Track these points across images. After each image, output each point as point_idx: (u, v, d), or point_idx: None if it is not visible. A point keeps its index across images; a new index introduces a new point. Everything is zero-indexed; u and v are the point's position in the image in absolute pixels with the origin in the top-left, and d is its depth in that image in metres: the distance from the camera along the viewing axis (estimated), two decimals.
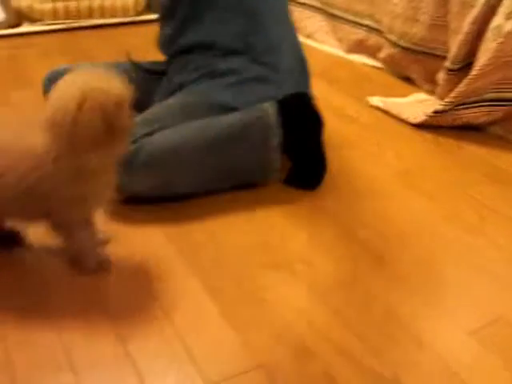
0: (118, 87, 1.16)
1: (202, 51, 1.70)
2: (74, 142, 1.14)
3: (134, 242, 1.47)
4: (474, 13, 1.98)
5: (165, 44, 1.83)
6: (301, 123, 1.63)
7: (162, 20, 1.83)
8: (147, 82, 1.87)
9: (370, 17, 2.58)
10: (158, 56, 1.89)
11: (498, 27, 1.90)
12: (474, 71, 1.94)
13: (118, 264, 1.40)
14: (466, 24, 2.01)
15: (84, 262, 1.34)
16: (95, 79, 1.15)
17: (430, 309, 1.29)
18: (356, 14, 2.67)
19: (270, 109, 1.61)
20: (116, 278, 1.35)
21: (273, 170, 1.63)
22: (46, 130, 1.16)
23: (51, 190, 1.20)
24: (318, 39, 2.97)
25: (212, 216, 1.58)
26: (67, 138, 1.14)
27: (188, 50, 1.73)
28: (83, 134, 1.13)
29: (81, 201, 1.24)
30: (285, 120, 1.60)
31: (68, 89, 1.14)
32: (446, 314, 1.28)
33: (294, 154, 1.66)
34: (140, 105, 1.66)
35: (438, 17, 2.21)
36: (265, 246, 1.46)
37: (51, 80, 1.85)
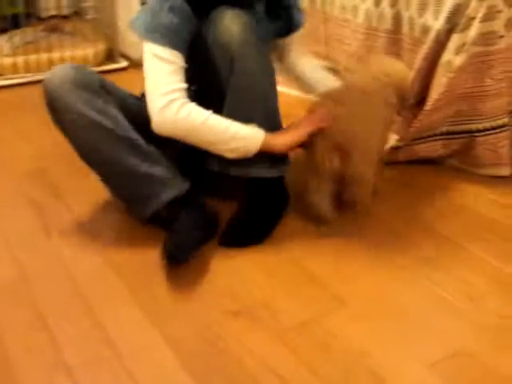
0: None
1: None
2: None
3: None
4: (424, 49, 2.02)
5: None
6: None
7: None
8: None
9: (327, 57, 2.62)
10: None
11: (449, 62, 1.93)
12: (427, 106, 1.97)
13: (77, 317, 1.38)
14: (418, 60, 2.04)
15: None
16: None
17: (389, 343, 1.29)
18: (314, 55, 2.71)
19: None
20: (75, 330, 1.34)
21: None
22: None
23: None
24: (279, 82, 2.99)
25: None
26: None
27: None
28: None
29: None
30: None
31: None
32: (406, 347, 1.28)
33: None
34: None
35: (391, 54, 2.25)
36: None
37: None
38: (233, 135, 1.56)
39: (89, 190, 1.91)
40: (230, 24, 1.56)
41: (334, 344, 1.29)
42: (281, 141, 1.63)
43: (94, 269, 1.56)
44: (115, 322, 1.36)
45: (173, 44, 1.56)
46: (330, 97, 1.72)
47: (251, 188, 1.72)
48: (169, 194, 1.63)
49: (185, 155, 1.76)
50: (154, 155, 1.64)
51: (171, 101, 1.53)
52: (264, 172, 1.67)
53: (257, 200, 1.73)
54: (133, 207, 1.70)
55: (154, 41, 1.55)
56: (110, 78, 3.03)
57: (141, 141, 1.62)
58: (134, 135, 1.62)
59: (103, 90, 1.62)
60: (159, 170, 1.63)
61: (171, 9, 1.55)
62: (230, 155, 1.59)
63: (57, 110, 1.59)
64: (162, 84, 1.55)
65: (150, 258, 1.59)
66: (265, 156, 1.63)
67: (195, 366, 1.23)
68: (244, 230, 1.69)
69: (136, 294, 1.46)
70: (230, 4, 1.60)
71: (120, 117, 1.61)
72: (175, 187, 1.64)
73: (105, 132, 1.57)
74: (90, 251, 1.63)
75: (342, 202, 1.76)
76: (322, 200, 1.70)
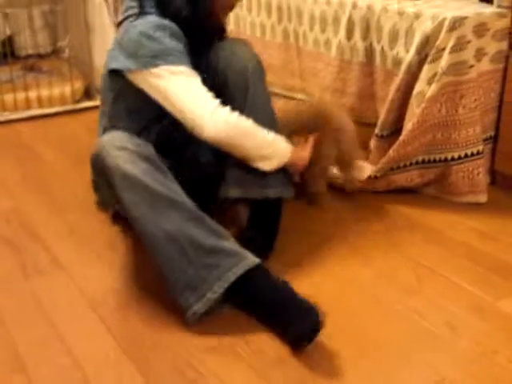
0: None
1: None
2: None
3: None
4: (397, 81, 2.05)
5: None
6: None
7: None
8: None
9: (302, 90, 2.65)
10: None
11: (421, 93, 1.96)
12: (402, 137, 1.99)
13: (54, 356, 1.36)
14: (391, 92, 2.07)
15: None
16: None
17: (372, 376, 1.28)
18: (290, 89, 2.74)
19: None
20: (53, 371, 1.32)
21: None
22: None
23: None
24: None
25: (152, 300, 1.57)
26: None
27: None
28: None
29: None
30: None
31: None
32: (389, 380, 1.27)
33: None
34: None
35: (365, 87, 2.28)
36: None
37: None
38: (271, 141, 1.63)
39: (64, 229, 1.90)
40: (244, 54, 1.71)
41: (316, 379, 1.28)
42: (303, 155, 1.74)
43: (71, 308, 1.54)
44: (93, 361, 1.34)
45: (187, 63, 1.59)
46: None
47: (256, 210, 1.78)
48: (245, 263, 1.46)
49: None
50: (221, 230, 1.49)
51: (217, 106, 1.56)
52: (279, 192, 1.73)
53: (260, 221, 1.78)
54: (197, 285, 1.44)
55: (171, 62, 1.56)
56: (88, 115, 3.09)
57: (203, 213, 1.49)
58: (195, 206, 1.49)
59: (159, 161, 1.51)
60: (228, 244, 1.48)
61: (172, 35, 1.59)
62: (264, 163, 1.65)
63: (115, 184, 1.46)
64: (202, 92, 1.58)
65: (126, 294, 1.58)
66: (279, 176, 1.71)
67: None
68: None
69: (114, 330, 1.44)
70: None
71: (183, 191, 1.50)
72: (250, 257, 1.48)
73: (169, 203, 1.44)
74: (67, 291, 1.61)
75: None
76: (321, 186, 2.00)
